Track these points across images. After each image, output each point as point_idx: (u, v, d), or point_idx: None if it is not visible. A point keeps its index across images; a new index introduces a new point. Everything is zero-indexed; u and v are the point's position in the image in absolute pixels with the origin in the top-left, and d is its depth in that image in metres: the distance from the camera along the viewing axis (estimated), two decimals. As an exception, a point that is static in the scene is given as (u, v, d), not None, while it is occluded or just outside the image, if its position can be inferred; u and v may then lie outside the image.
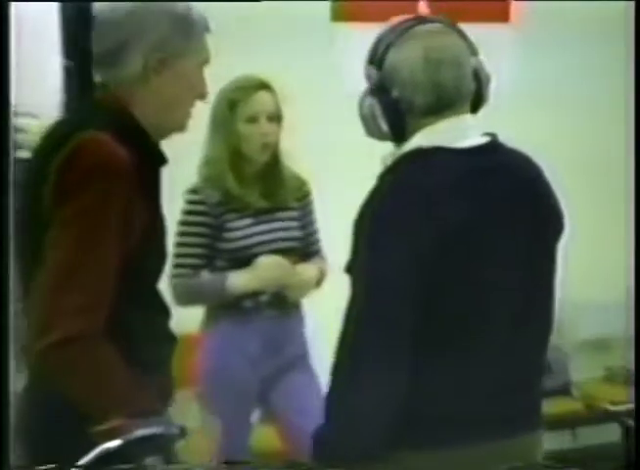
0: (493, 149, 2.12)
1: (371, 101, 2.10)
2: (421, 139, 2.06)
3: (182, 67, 2.12)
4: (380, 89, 2.08)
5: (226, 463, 1.99)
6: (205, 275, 3.36)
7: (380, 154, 4.31)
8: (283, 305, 3.36)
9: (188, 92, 2.16)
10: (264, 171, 3.37)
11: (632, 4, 3.61)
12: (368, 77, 2.12)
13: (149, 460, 1.80)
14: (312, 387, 3.41)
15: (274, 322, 3.36)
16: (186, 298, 3.32)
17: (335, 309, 3.87)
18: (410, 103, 2.06)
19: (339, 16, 4.43)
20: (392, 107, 2.07)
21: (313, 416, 3.29)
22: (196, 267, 3.34)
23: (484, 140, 2.11)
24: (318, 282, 3.46)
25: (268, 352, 3.36)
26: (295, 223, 3.43)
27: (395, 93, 2.06)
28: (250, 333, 3.32)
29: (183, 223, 3.33)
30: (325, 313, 3.77)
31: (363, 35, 4.31)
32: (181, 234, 3.33)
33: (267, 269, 3.28)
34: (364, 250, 1.97)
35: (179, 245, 3.31)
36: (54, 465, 1.69)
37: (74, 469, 1.71)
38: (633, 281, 3.45)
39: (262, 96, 3.31)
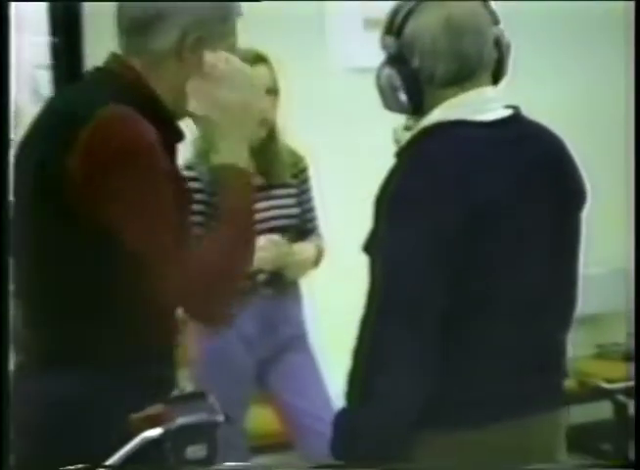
0: (516, 122, 2.07)
1: (389, 71, 2.04)
2: (441, 112, 2.01)
3: (215, 49, 2.02)
4: (399, 59, 2.02)
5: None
6: None
7: (375, 129, 4.34)
8: (280, 284, 3.31)
9: None
10: (260, 147, 3.26)
11: (631, 4, 3.60)
12: (385, 47, 2.07)
13: (191, 450, 1.70)
14: (310, 368, 3.39)
15: (271, 302, 3.31)
16: None
17: (332, 289, 3.93)
18: (431, 73, 2.01)
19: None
20: (412, 77, 2.01)
21: (311, 397, 3.37)
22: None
23: (507, 113, 2.06)
24: (316, 261, 3.41)
25: (265, 332, 3.32)
26: (292, 200, 3.37)
27: (415, 63, 2.01)
28: (246, 313, 3.24)
29: None
30: (322, 292, 3.77)
31: (353, 8, 4.39)
32: None
33: (265, 249, 3.19)
34: (389, 229, 1.92)
35: None
36: (84, 465, 1.62)
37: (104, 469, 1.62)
38: (633, 263, 3.43)
39: (260, 70, 3.21)
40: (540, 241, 2.01)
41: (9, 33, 2.02)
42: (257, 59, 3.23)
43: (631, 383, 4.48)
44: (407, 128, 2.08)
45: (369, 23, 4.43)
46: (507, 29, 2.10)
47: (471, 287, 1.91)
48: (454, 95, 2.01)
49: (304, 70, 4.11)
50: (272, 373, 3.38)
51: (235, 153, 2.03)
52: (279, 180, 3.35)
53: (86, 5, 4.04)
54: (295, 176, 3.42)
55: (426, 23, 2.00)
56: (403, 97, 2.01)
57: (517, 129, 2.05)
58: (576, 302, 2.14)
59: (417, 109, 2.02)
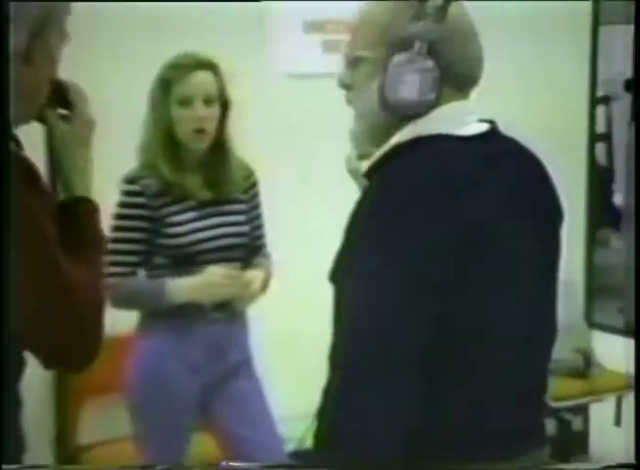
0: (495, 136, 1.89)
1: (427, 61, 1.79)
2: (420, 126, 1.81)
3: (56, 50, 1.79)
4: (435, 51, 1.79)
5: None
6: (143, 278, 3.11)
7: (317, 138, 4.21)
8: (228, 310, 3.10)
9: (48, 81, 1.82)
10: (207, 159, 3.10)
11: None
12: (422, 34, 1.79)
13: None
14: (256, 394, 3.19)
15: (219, 327, 3.10)
16: (121, 301, 3.04)
17: (279, 312, 3.80)
18: (457, 73, 1.82)
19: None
20: (456, 70, 1.82)
21: (256, 424, 3.16)
22: (132, 265, 3.08)
23: (484, 127, 1.88)
24: (264, 286, 3.20)
25: (211, 358, 3.10)
26: (242, 217, 3.18)
27: (451, 57, 1.81)
28: (191, 338, 3.06)
29: (118, 217, 3.05)
30: (269, 316, 3.63)
31: (293, 11, 4.26)
32: (116, 229, 3.04)
33: (213, 281, 3.01)
34: (367, 254, 1.70)
35: (114, 241, 3.00)
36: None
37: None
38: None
39: (199, 76, 3.03)
40: (525, 263, 1.84)
41: (9, 33, 1.84)
42: (199, 65, 3.05)
43: (577, 401, 4.46)
44: (362, 157, 1.91)
45: (309, 27, 4.29)
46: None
47: (455, 315, 1.72)
48: (448, 102, 1.83)
49: (242, 75, 3.97)
50: (217, 400, 3.17)
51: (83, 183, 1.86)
52: (228, 195, 3.15)
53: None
54: (245, 191, 3.22)
55: (458, 22, 1.83)
56: (433, 93, 1.80)
57: (495, 145, 1.88)
58: (556, 332, 1.99)
59: (428, 111, 1.83)
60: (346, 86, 1.91)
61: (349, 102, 1.92)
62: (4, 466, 1.64)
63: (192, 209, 3.09)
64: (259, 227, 3.28)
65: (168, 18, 3.92)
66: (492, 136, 1.90)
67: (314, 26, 4.30)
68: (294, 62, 4.27)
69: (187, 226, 3.06)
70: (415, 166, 1.76)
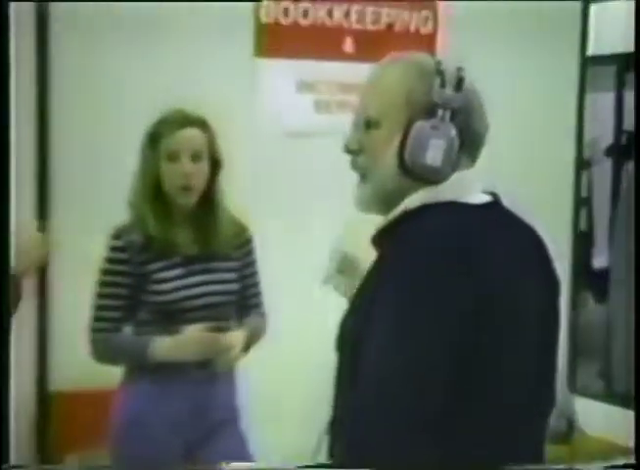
0: (498, 207, 1.92)
1: (451, 129, 1.83)
2: (429, 192, 1.84)
3: None
4: (457, 117, 1.84)
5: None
6: (128, 334, 3.09)
7: (308, 195, 4.22)
8: (210, 369, 3.06)
9: None
10: (196, 215, 3.09)
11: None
12: (445, 101, 1.83)
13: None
14: (240, 454, 3.14)
15: (201, 385, 3.07)
16: (105, 356, 3.07)
17: (270, 370, 3.77)
18: (479, 141, 1.89)
19: (262, 51, 4.25)
20: (470, 138, 1.87)
21: None
22: (116, 321, 3.07)
23: (489, 198, 1.91)
24: (250, 344, 3.17)
25: (193, 416, 3.08)
26: (232, 275, 3.15)
27: (474, 126, 1.87)
28: (173, 395, 3.04)
29: (103, 272, 3.06)
30: (259, 373, 3.61)
31: (287, 70, 4.29)
32: (101, 284, 3.05)
33: (193, 343, 2.99)
34: (390, 320, 1.68)
35: (99, 296, 3.04)
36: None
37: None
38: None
39: (187, 132, 3.04)
40: (528, 333, 1.84)
41: (9, 33, 1.84)
42: (187, 121, 3.05)
43: (560, 466, 4.44)
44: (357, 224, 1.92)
45: (302, 86, 4.32)
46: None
47: (468, 380, 1.72)
48: (457, 170, 1.85)
49: (235, 132, 3.99)
50: (200, 458, 3.11)
51: None
52: (218, 252, 3.13)
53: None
54: (237, 248, 3.20)
55: (474, 88, 1.89)
56: (453, 160, 1.83)
57: (500, 216, 1.91)
58: (555, 399, 1.99)
59: (446, 177, 1.85)
60: (354, 151, 1.93)
61: (356, 167, 1.93)
62: (4, 466, 1.62)
63: (178, 265, 3.07)
64: (253, 285, 3.26)
65: (162, 76, 3.95)
66: (496, 207, 1.92)
67: (307, 86, 4.33)
68: (286, 120, 4.30)
69: (172, 283, 3.04)
70: (430, 230, 1.77)
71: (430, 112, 1.83)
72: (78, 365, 3.21)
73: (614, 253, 3.86)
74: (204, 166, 3.07)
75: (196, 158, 3.04)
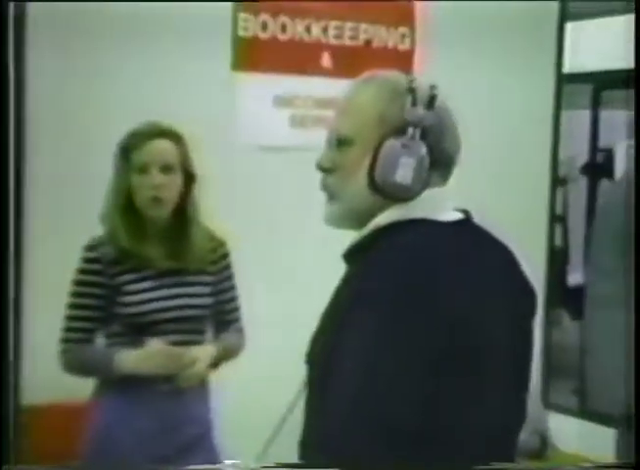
0: (470, 225, 1.92)
1: (421, 148, 1.84)
2: (401, 209, 1.84)
3: None
4: (428, 136, 1.85)
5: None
6: (97, 346, 3.08)
7: (292, 209, 4.21)
8: (176, 383, 3.03)
9: None
10: (169, 229, 3.08)
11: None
12: (417, 119, 1.84)
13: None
14: None
15: (171, 399, 3.04)
16: (73, 367, 3.06)
17: (245, 385, 3.76)
18: (450, 159, 1.89)
19: (240, 65, 4.25)
20: (442, 156, 1.87)
21: None
22: (87, 332, 3.06)
23: (460, 215, 1.91)
24: (225, 360, 3.16)
25: (162, 430, 3.05)
26: (206, 289, 3.13)
27: (445, 145, 1.87)
28: (141, 409, 3.02)
29: (76, 283, 3.05)
30: (233, 388, 3.59)
31: (264, 85, 4.30)
32: (73, 294, 3.05)
33: (155, 356, 2.96)
34: (350, 341, 1.69)
35: (70, 306, 3.04)
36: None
37: None
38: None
39: (157, 144, 3.02)
40: (499, 351, 1.84)
41: (9, 33, 1.83)
42: (158, 133, 3.04)
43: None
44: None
45: (279, 101, 4.33)
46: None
47: (434, 403, 1.71)
48: (428, 188, 1.86)
49: (210, 146, 3.99)
50: None
51: None
52: (192, 266, 3.11)
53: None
54: (213, 263, 3.18)
55: (445, 107, 1.89)
56: (424, 177, 1.84)
57: (471, 233, 1.91)
58: (525, 420, 1.99)
59: (417, 195, 1.86)
60: (327, 169, 1.93)
61: (326, 185, 1.93)
62: (4, 467, 1.62)
63: (149, 278, 3.06)
64: (230, 300, 3.24)
65: (139, 88, 3.95)
66: (467, 225, 1.92)
67: (284, 101, 4.33)
68: (262, 134, 4.29)
69: (141, 296, 3.03)
70: (399, 250, 1.77)
71: (401, 130, 1.84)
72: (52, 378, 3.19)
73: (588, 270, 3.87)
74: (175, 179, 3.05)
75: (166, 170, 3.02)
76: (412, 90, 1.85)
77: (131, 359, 2.99)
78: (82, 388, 3.15)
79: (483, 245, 1.91)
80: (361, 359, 1.68)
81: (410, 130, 1.83)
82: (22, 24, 3.72)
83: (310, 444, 1.76)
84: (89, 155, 3.81)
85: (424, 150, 1.83)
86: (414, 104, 1.84)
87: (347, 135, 1.90)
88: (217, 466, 2.92)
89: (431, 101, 1.85)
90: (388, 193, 1.84)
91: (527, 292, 1.97)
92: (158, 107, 3.62)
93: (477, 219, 1.95)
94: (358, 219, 1.88)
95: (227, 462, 1.68)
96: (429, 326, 1.69)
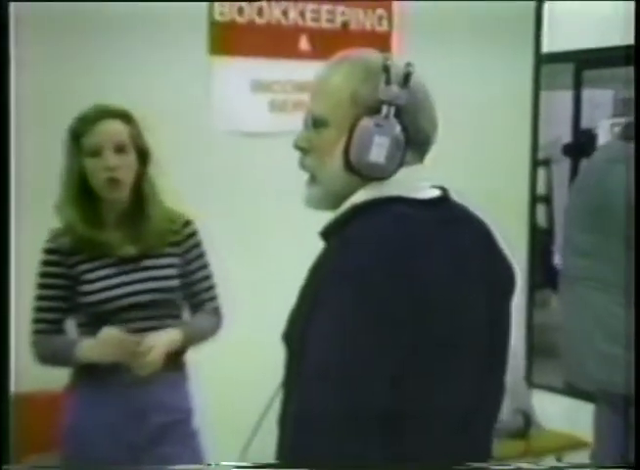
0: (447, 203, 1.92)
1: (395, 126, 1.82)
2: (377, 188, 1.84)
3: None
4: (403, 115, 1.83)
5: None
6: (62, 336, 3.07)
7: (259, 196, 4.21)
8: (133, 371, 2.96)
9: None
10: (128, 213, 3.03)
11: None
12: (390, 98, 1.82)
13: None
14: (184, 461, 3.07)
15: (135, 388, 3.00)
16: (44, 358, 3.05)
17: (224, 369, 3.76)
18: (426, 138, 1.88)
19: (217, 50, 4.25)
20: (417, 135, 1.86)
21: None
22: (54, 323, 3.05)
23: (437, 193, 1.91)
24: (199, 341, 3.13)
25: (130, 419, 3.02)
26: (172, 271, 3.08)
27: (421, 123, 1.86)
28: (108, 398, 3.00)
29: (39, 275, 3.04)
30: (212, 372, 3.59)
31: (241, 69, 4.29)
32: (38, 286, 3.04)
33: (107, 344, 2.91)
34: (327, 316, 1.69)
35: (37, 298, 3.04)
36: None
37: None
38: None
39: (107, 125, 2.96)
40: (474, 329, 1.84)
41: (9, 33, 1.84)
42: (106, 114, 2.97)
43: (516, 461, 4.47)
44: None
45: (257, 86, 4.33)
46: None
47: (406, 377, 1.71)
48: (404, 167, 1.85)
49: (187, 131, 3.99)
50: (145, 464, 3.04)
51: None
52: (153, 249, 3.05)
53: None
54: (177, 244, 3.11)
55: (423, 86, 1.88)
56: (399, 156, 1.83)
57: (447, 211, 1.90)
58: (502, 403, 1.99)
59: (392, 174, 1.85)
60: (303, 149, 1.92)
61: (304, 166, 1.93)
62: (4, 466, 1.62)
63: (109, 265, 3.02)
64: (201, 280, 3.18)
65: (115, 74, 3.94)
66: (444, 202, 1.92)
67: (262, 86, 4.33)
68: (240, 120, 4.29)
69: (100, 283, 3.00)
70: (373, 228, 1.77)
71: (375, 109, 1.83)
72: (38, 366, 3.18)
73: (564, 249, 3.88)
74: (129, 159, 2.99)
75: (120, 150, 2.97)
76: (386, 69, 1.84)
77: (87, 348, 2.96)
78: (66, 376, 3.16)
79: (460, 222, 1.91)
80: (330, 341, 1.69)
81: (384, 109, 1.83)
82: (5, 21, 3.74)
83: (285, 424, 1.76)
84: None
85: (398, 129, 1.82)
86: (388, 82, 1.83)
87: (322, 116, 1.89)
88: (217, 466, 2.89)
89: (406, 79, 1.84)
90: (363, 173, 1.84)
91: (506, 269, 1.98)
92: (134, 93, 3.61)
93: (454, 197, 1.96)
94: (336, 200, 1.88)
95: (224, 463, 1.69)
96: (402, 304, 1.69)
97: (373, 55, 1.92)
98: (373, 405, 1.67)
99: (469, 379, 1.84)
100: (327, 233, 1.88)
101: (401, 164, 1.84)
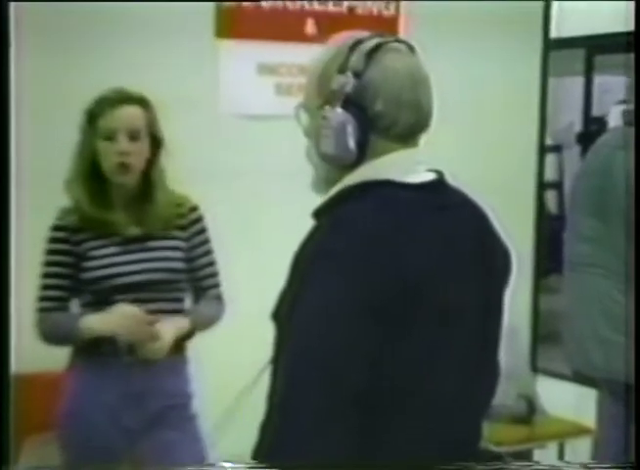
0: (442, 186, 1.91)
1: (343, 115, 1.81)
2: (368, 171, 1.83)
3: None
4: (355, 102, 1.81)
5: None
6: (65, 313, 3.08)
7: (264, 179, 4.20)
8: (140, 354, 3.00)
9: None
10: (135, 195, 3.06)
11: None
12: (339, 87, 1.81)
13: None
14: (184, 444, 3.10)
15: (135, 371, 3.02)
16: (47, 337, 3.05)
17: (225, 355, 3.76)
18: (390, 122, 1.83)
19: (223, 33, 4.24)
20: (371, 123, 1.83)
21: None
22: (59, 300, 3.06)
23: (432, 176, 1.90)
24: (202, 328, 3.15)
25: (129, 402, 3.04)
26: (177, 253, 3.11)
27: (379, 108, 1.82)
28: (107, 381, 3.02)
29: (46, 252, 3.06)
30: (214, 360, 3.59)
31: (247, 53, 4.29)
32: (44, 264, 3.06)
33: (119, 318, 2.95)
34: (308, 295, 1.70)
35: (42, 276, 3.05)
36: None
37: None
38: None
39: (125, 111, 2.99)
40: (467, 313, 1.84)
41: (9, 33, 1.84)
42: (125, 99, 3.01)
43: (520, 446, 4.47)
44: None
45: (263, 69, 4.32)
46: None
47: (394, 360, 1.72)
48: (396, 150, 1.85)
49: (194, 114, 3.99)
50: (143, 447, 3.08)
51: None
52: (157, 231, 3.09)
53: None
54: (182, 228, 3.15)
55: (390, 70, 1.83)
56: (352, 145, 1.82)
57: (442, 195, 1.90)
58: (496, 389, 1.99)
59: (359, 159, 1.84)
60: (305, 135, 1.94)
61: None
62: (4, 467, 1.63)
63: (115, 244, 3.05)
64: (205, 266, 3.20)
65: (122, 58, 3.94)
66: (439, 186, 1.92)
67: (268, 69, 4.33)
68: (246, 103, 4.29)
69: (104, 260, 3.02)
70: (364, 211, 1.78)
71: (333, 98, 1.82)
72: (39, 347, 3.20)
73: (568, 235, 3.87)
74: (142, 145, 3.03)
75: (134, 136, 3.00)
76: (349, 53, 1.82)
77: (95, 321, 2.98)
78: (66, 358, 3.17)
79: (454, 206, 1.91)
80: (316, 315, 1.69)
81: (337, 97, 1.81)
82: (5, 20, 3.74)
83: (271, 404, 1.77)
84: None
85: (342, 117, 1.81)
86: (342, 70, 1.82)
87: (304, 103, 1.91)
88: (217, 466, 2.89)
89: (367, 62, 1.82)
90: (327, 161, 1.86)
91: (500, 252, 1.98)
92: (140, 76, 3.61)
93: (451, 181, 1.95)
94: (327, 185, 1.89)
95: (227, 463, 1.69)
96: (385, 286, 1.70)
97: (349, 38, 1.88)
98: (356, 385, 1.68)
99: (459, 362, 1.84)
100: (318, 213, 1.88)
101: (362, 152, 1.82)
